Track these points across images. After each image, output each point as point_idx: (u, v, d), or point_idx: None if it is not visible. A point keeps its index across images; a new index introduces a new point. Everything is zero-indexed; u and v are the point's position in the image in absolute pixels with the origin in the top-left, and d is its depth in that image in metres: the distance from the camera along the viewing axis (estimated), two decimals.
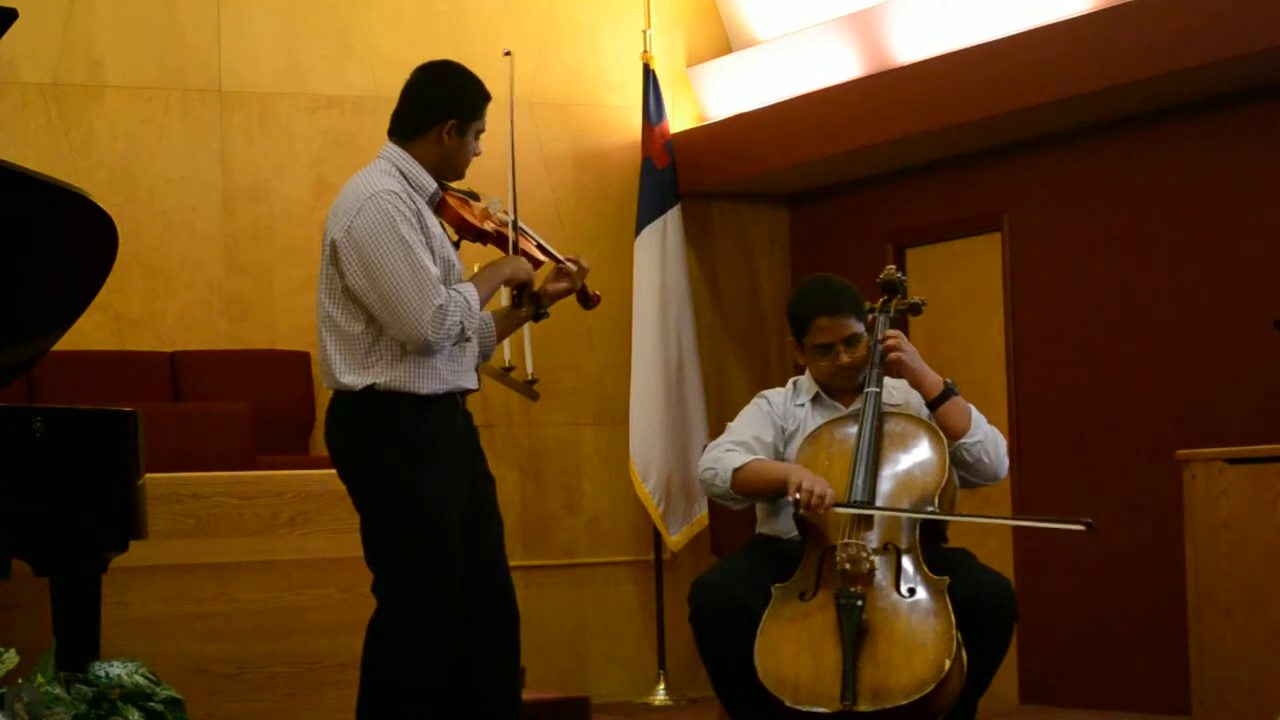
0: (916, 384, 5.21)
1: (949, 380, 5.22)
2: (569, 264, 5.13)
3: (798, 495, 4.94)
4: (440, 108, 4.98)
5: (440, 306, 4.81)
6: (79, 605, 5.21)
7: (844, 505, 4.99)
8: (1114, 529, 7.83)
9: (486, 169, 5.21)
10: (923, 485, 5.06)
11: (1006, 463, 5.22)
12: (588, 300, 5.19)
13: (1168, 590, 7.06)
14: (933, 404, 5.18)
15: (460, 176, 5.09)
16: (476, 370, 5.09)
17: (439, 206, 5.01)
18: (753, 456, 5.18)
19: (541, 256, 5.18)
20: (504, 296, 5.28)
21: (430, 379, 4.90)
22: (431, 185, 4.98)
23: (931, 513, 5.02)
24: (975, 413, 5.19)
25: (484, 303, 5.01)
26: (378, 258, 4.81)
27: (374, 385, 4.88)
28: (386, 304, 4.82)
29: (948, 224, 8.71)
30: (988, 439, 5.16)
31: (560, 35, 9.25)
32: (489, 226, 5.08)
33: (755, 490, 5.16)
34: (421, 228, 4.90)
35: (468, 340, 4.99)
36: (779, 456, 5.25)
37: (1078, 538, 7.91)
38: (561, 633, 9.01)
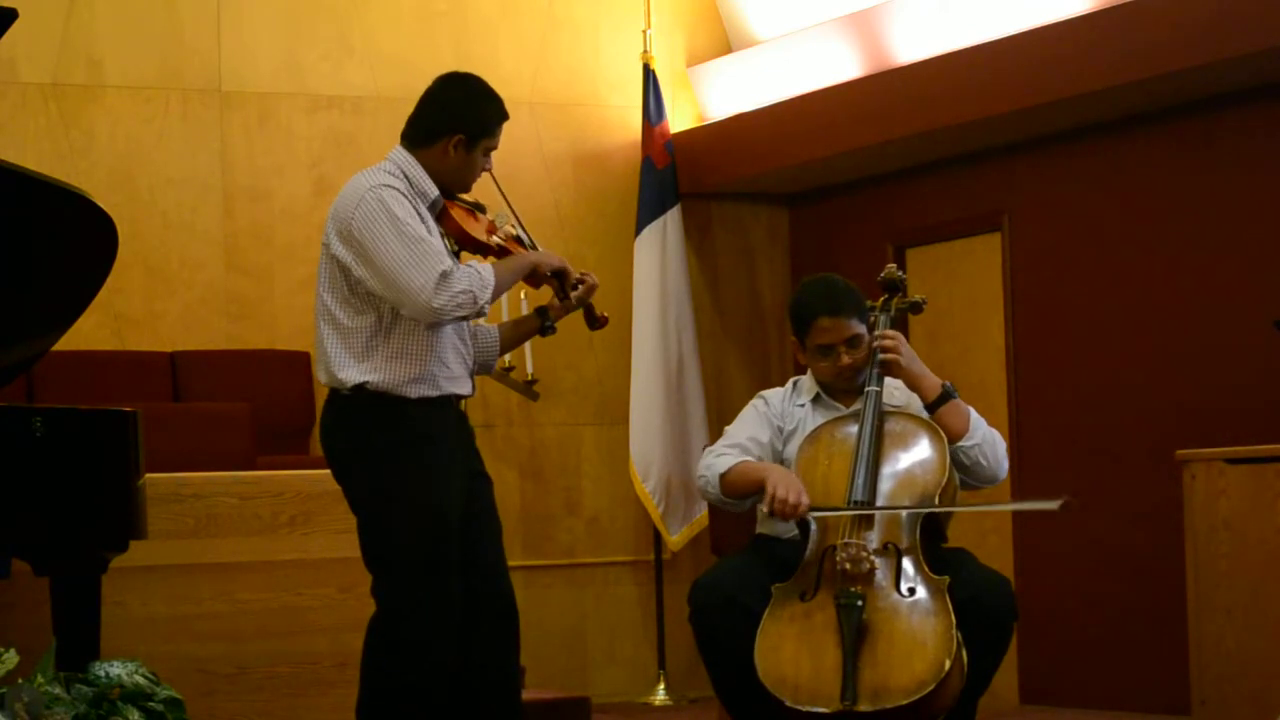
0: (914, 386, 5.21)
1: (947, 383, 5.22)
2: (580, 278, 5.12)
3: (772, 505, 4.95)
4: (449, 121, 4.97)
5: (444, 273, 4.78)
6: (79, 605, 5.21)
7: (819, 509, 4.99)
8: (1114, 529, 7.83)
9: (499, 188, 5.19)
10: (923, 484, 5.06)
11: (1006, 464, 5.21)
12: (594, 321, 5.19)
13: (1168, 590, 7.06)
14: (931, 406, 5.18)
15: (465, 191, 5.09)
16: (471, 377, 5.09)
17: (440, 215, 5.01)
18: (741, 459, 5.18)
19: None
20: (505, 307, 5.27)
21: (423, 384, 4.90)
22: (433, 192, 4.98)
23: (907, 507, 5.00)
24: (974, 415, 5.18)
25: (504, 286, 4.96)
26: (374, 241, 4.81)
27: (366, 383, 4.88)
28: (390, 282, 4.80)
29: (948, 224, 8.71)
30: (986, 441, 5.15)
31: (560, 35, 9.25)
32: (492, 240, 5.07)
33: (741, 493, 5.17)
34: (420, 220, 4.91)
35: (483, 315, 4.95)
36: (777, 456, 5.25)
37: (1076, 537, 7.97)
38: (561, 633, 9.01)
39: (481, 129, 5.00)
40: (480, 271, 4.88)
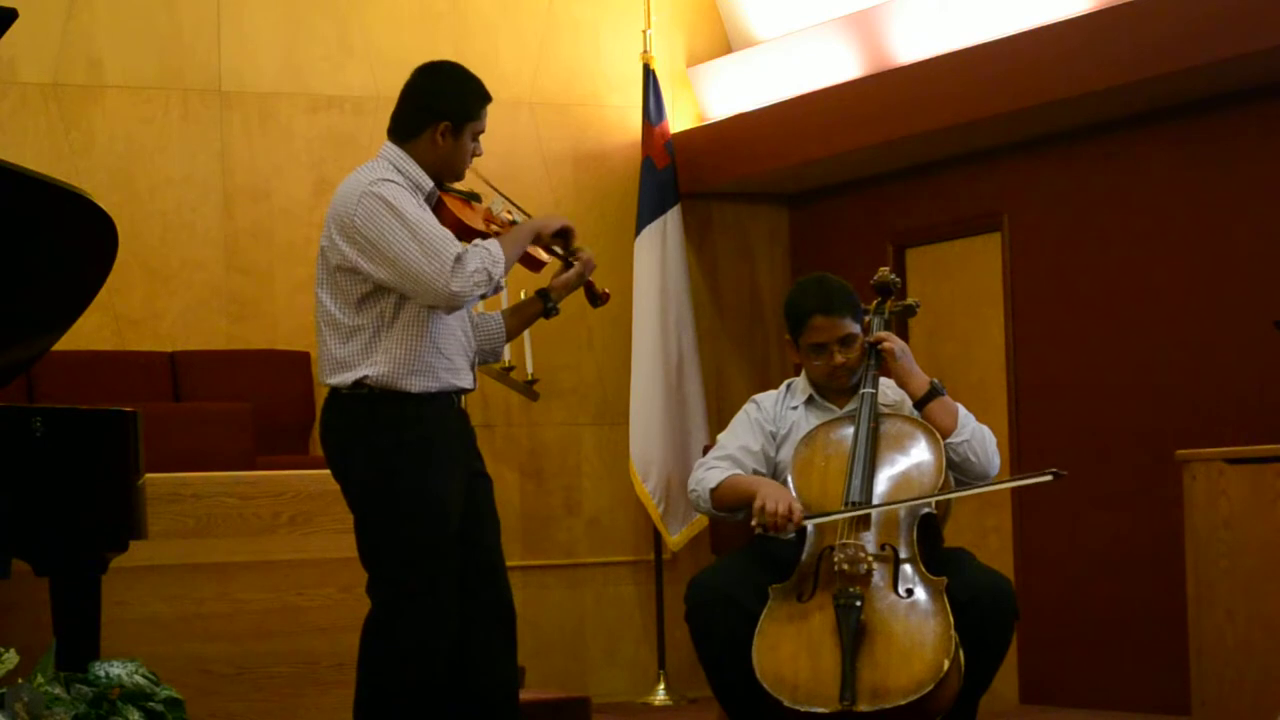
0: (904, 382, 5.23)
1: (935, 380, 5.23)
2: (577, 255, 5.14)
3: (762, 518, 4.95)
4: (434, 109, 4.98)
5: (457, 256, 4.80)
6: (79, 605, 5.21)
7: (812, 516, 4.99)
8: (1114, 529, 7.83)
9: (484, 169, 5.20)
10: (919, 486, 5.06)
11: (997, 460, 5.21)
12: (596, 298, 5.19)
13: (1168, 590, 7.06)
14: (919, 403, 5.20)
15: (459, 178, 5.09)
16: (473, 370, 5.09)
17: (436, 207, 5.01)
18: (730, 472, 5.18)
19: (545, 256, 5.18)
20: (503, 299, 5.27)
21: (424, 377, 4.90)
22: (428, 185, 4.99)
23: (906, 501, 5.00)
24: (963, 411, 5.19)
25: (511, 260, 4.98)
26: (382, 235, 4.82)
27: (366, 378, 4.88)
28: (405, 273, 4.81)
29: (948, 224, 8.71)
30: (975, 437, 5.15)
31: (560, 35, 9.25)
32: (490, 229, 5.08)
33: (733, 506, 5.17)
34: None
35: (500, 290, 4.97)
36: (770, 462, 5.26)
37: (1076, 537, 7.97)
38: (561, 633, 9.01)
39: (465, 113, 5.00)
40: (489, 248, 4.90)
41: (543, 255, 5.17)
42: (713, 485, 5.17)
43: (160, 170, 8.46)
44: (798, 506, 4.98)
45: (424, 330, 4.90)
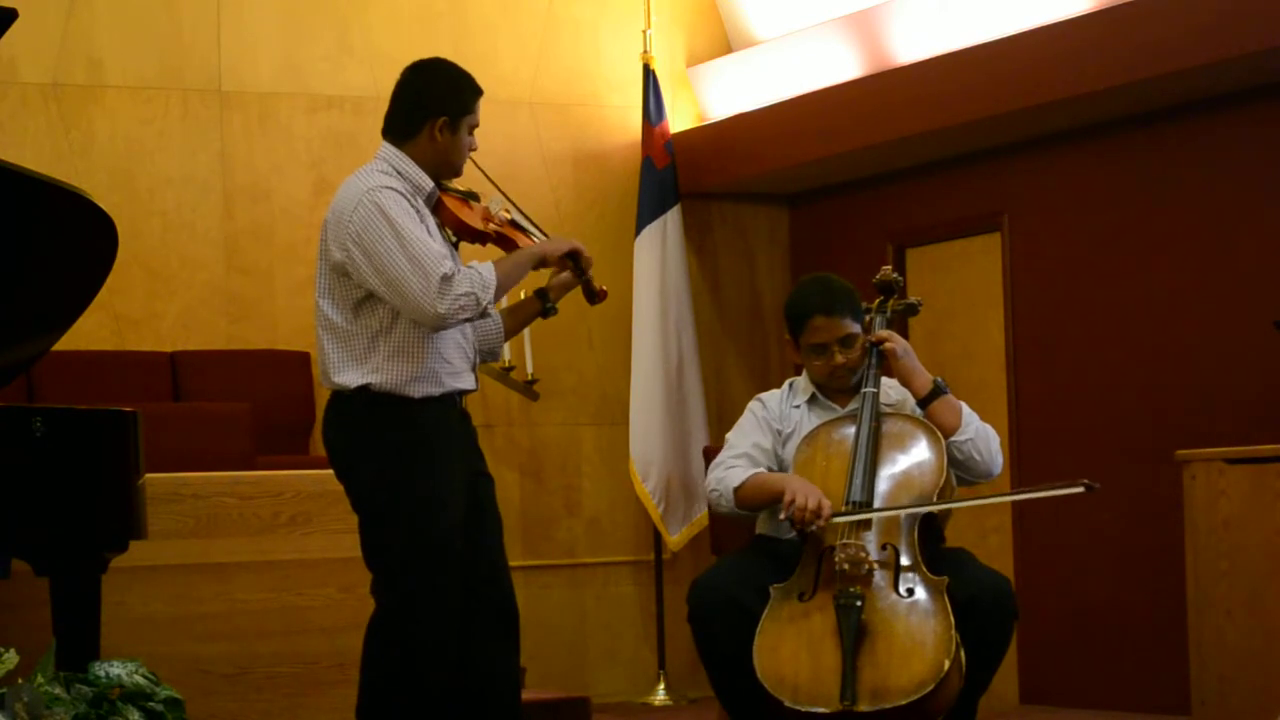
0: (907, 381, 5.23)
1: (939, 379, 5.23)
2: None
3: (791, 512, 4.94)
4: (431, 105, 4.98)
5: (445, 276, 4.78)
6: (79, 605, 5.21)
7: (841, 514, 4.98)
8: (1114, 529, 7.83)
9: (484, 168, 5.20)
10: (920, 485, 5.07)
11: (1000, 459, 5.22)
12: (594, 295, 5.19)
13: (1168, 590, 7.06)
14: (923, 402, 5.20)
15: (458, 173, 5.09)
16: (474, 371, 5.09)
17: (436, 207, 5.01)
18: (753, 470, 5.18)
19: None
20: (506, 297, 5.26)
21: (425, 382, 4.90)
22: (428, 185, 4.98)
23: (928, 506, 5.00)
24: (966, 410, 5.19)
25: (509, 284, 4.98)
26: (375, 246, 4.82)
27: (369, 385, 4.88)
28: (393, 288, 4.81)
29: (948, 224, 8.71)
30: (979, 436, 5.15)
31: (560, 35, 9.25)
32: (489, 228, 5.08)
33: (758, 504, 5.16)
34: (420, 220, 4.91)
35: (487, 317, 4.98)
36: (779, 460, 5.25)
37: (1077, 537, 7.97)
38: (561, 633, 9.01)
39: (461, 107, 5.00)
40: (481, 272, 4.88)
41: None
42: (736, 484, 5.16)
43: (160, 170, 8.45)
44: (827, 503, 4.97)
45: (424, 335, 4.90)
